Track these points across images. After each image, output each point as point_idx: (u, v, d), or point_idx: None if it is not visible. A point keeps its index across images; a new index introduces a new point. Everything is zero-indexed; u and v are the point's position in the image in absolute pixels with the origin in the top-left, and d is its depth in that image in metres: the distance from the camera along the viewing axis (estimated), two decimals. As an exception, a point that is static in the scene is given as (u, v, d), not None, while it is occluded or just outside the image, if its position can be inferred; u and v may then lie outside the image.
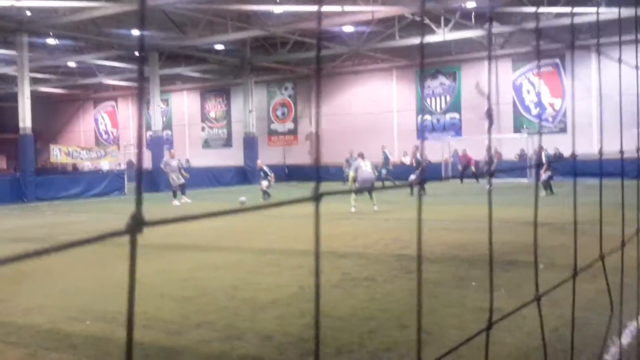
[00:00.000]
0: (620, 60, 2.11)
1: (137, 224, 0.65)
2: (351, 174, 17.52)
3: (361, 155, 17.38)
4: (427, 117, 33.91)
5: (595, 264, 1.69)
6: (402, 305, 6.05)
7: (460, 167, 28.19)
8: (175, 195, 21.40)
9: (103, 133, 45.74)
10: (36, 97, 28.88)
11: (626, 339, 4.65)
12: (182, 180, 21.56)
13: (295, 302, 6.26)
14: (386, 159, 27.58)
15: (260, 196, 20.95)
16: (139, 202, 0.68)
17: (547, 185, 18.64)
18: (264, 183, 21.24)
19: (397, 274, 7.56)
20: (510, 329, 5.05)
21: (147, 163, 31.27)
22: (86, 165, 34.77)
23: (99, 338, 5.36)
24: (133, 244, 0.70)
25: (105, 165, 33.72)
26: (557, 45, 27.25)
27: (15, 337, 5.53)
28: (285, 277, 7.59)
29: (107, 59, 32.51)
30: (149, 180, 28.29)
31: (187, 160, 38.31)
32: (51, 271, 8.56)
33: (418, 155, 22.37)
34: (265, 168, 21.85)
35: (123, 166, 34.68)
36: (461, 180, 27.14)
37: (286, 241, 10.88)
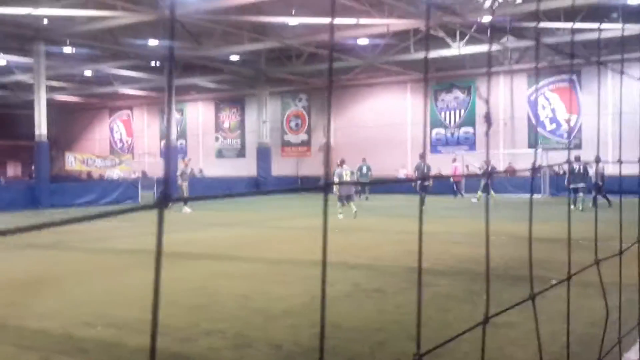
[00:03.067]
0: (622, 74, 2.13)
1: (164, 199, 0.75)
2: (335, 180, 18.27)
3: (342, 163, 18.52)
4: (441, 130, 33.88)
5: (590, 267, 1.70)
6: (412, 317, 6.02)
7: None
8: (185, 203, 21.54)
9: (118, 142, 46.05)
10: (52, 105, 29.18)
11: (634, 355, 4.61)
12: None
13: (306, 312, 6.26)
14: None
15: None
16: (166, 182, 0.77)
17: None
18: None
19: (407, 286, 7.54)
20: (522, 344, 5.03)
21: (161, 172, 31.47)
22: (114, 173, 34.62)
23: (110, 343, 5.40)
24: (160, 217, 0.79)
25: (115, 173, 33.90)
26: (578, 61, 27.10)
27: (29, 342, 5.57)
28: (297, 287, 7.59)
29: (122, 68, 32.82)
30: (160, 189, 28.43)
31: (201, 170, 38.51)
32: (64, 277, 8.63)
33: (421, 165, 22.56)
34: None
35: (137, 175, 34.93)
36: (455, 194, 27.22)
37: (299, 252, 10.89)
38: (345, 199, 17.73)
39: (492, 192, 24.67)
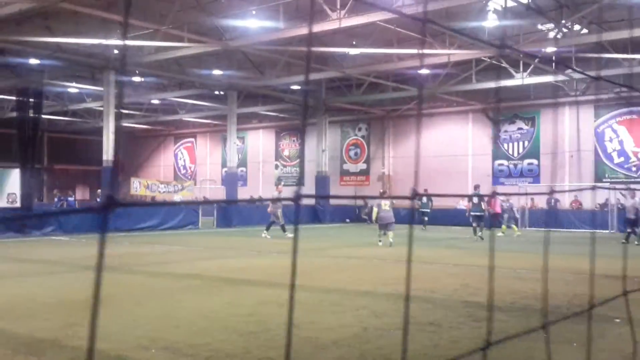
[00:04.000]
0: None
1: (109, 204, 0.74)
2: (375, 210, 19.33)
3: (384, 193, 18.69)
4: (504, 162, 33.28)
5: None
6: (467, 353, 5.86)
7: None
8: (284, 229, 21.71)
9: (181, 168, 47.17)
10: (120, 132, 30.25)
11: None
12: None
13: (356, 344, 6.18)
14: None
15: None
16: (112, 186, 0.77)
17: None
18: None
19: (463, 321, 7.35)
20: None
21: (221, 198, 31.97)
22: (176, 199, 35.25)
23: (162, 367, 5.45)
24: (105, 221, 0.79)
25: (178, 199, 34.67)
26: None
27: (83, 362, 5.69)
28: (348, 317, 7.51)
29: (187, 97, 33.74)
30: (221, 215, 28.84)
31: (260, 197, 38.93)
32: (123, 299, 8.81)
33: (475, 200, 22.61)
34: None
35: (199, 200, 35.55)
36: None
37: (351, 282, 10.80)
38: (384, 227, 18.46)
39: (504, 226, 24.31)
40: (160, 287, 10.32)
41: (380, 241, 18.40)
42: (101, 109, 27.67)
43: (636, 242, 19.12)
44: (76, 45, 23.77)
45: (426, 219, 28.53)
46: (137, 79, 30.21)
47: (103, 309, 6.76)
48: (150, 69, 27.03)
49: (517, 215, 25.61)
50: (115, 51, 25.20)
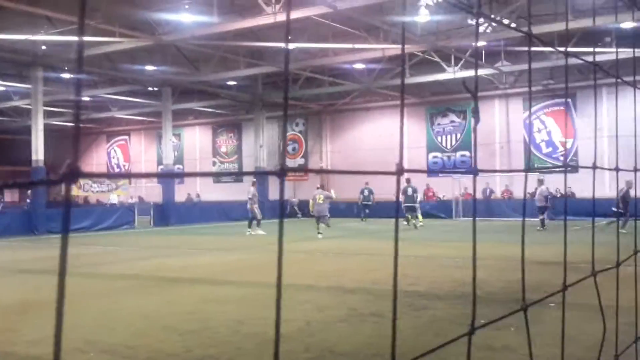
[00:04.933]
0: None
1: (72, 173, 0.68)
2: (311, 202, 20.63)
3: (321, 187, 20.95)
4: (438, 154, 33.94)
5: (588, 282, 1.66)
6: (409, 343, 5.94)
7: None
8: (259, 224, 21.46)
9: (115, 167, 46.03)
10: (49, 131, 29.17)
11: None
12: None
13: (300, 337, 6.17)
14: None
15: None
16: (76, 155, 0.72)
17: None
18: None
19: (405, 311, 7.45)
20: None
21: (158, 197, 31.41)
22: (110, 199, 34.30)
23: (101, 370, 5.30)
24: (67, 191, 0.74)
25: (113, 199, 33.78)
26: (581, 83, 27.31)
27: (17, 368, 5.47)
28: (292, 311, 7.49)
29: (120, 93, 32.88)
30: (159, 213, 28.32)
31: (198, 195, 38.42)
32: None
33: (409, 191, 23.33)
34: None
35: (134, 200, 34.82)
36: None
37: (295, 276, 10.78)
38: (318, 219, 19.67)
39: (420, 216, 24.50)
40: (97, 288, 10.03)
41: (319, 233, 19.12)
42: (29, 107, 26.62)
43: (538, 228, 20.46)
44: (1, 41, 22.80)
45: (367, 211, 28.90)
46: (66, 75, 29.22)
47: (39, 313, 6.55)
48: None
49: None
50: (43, 47, 24.30)
